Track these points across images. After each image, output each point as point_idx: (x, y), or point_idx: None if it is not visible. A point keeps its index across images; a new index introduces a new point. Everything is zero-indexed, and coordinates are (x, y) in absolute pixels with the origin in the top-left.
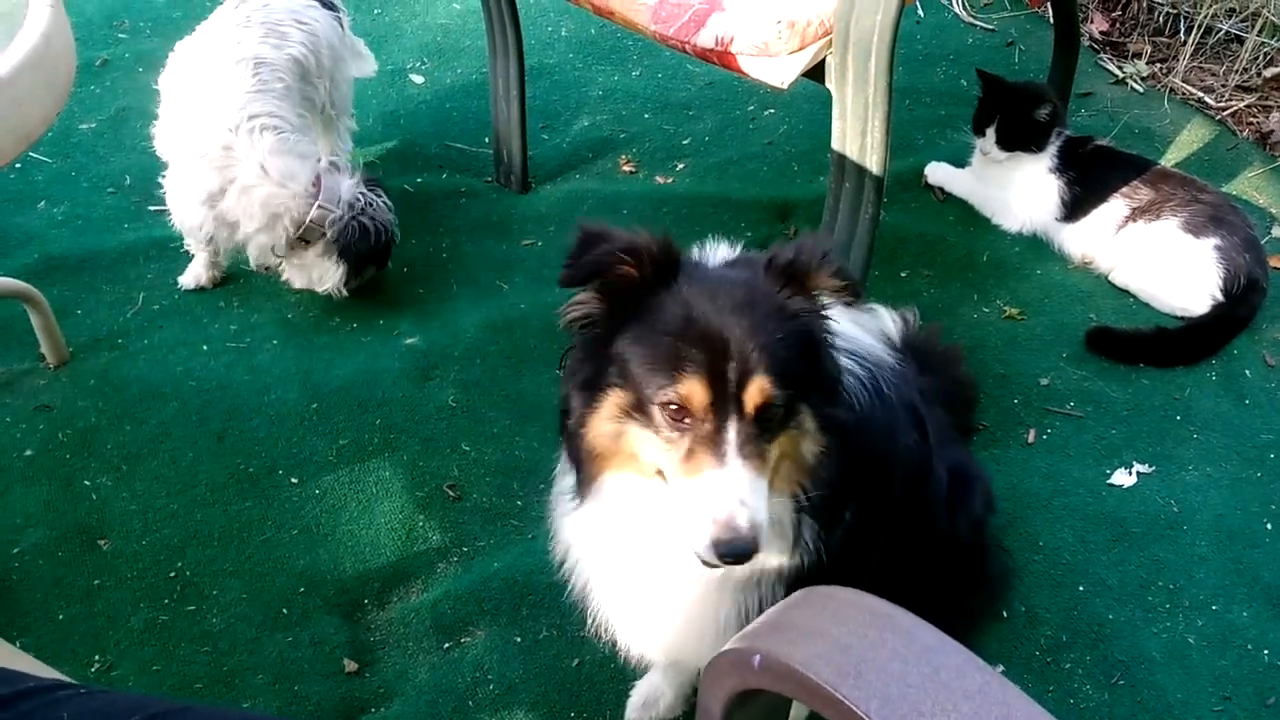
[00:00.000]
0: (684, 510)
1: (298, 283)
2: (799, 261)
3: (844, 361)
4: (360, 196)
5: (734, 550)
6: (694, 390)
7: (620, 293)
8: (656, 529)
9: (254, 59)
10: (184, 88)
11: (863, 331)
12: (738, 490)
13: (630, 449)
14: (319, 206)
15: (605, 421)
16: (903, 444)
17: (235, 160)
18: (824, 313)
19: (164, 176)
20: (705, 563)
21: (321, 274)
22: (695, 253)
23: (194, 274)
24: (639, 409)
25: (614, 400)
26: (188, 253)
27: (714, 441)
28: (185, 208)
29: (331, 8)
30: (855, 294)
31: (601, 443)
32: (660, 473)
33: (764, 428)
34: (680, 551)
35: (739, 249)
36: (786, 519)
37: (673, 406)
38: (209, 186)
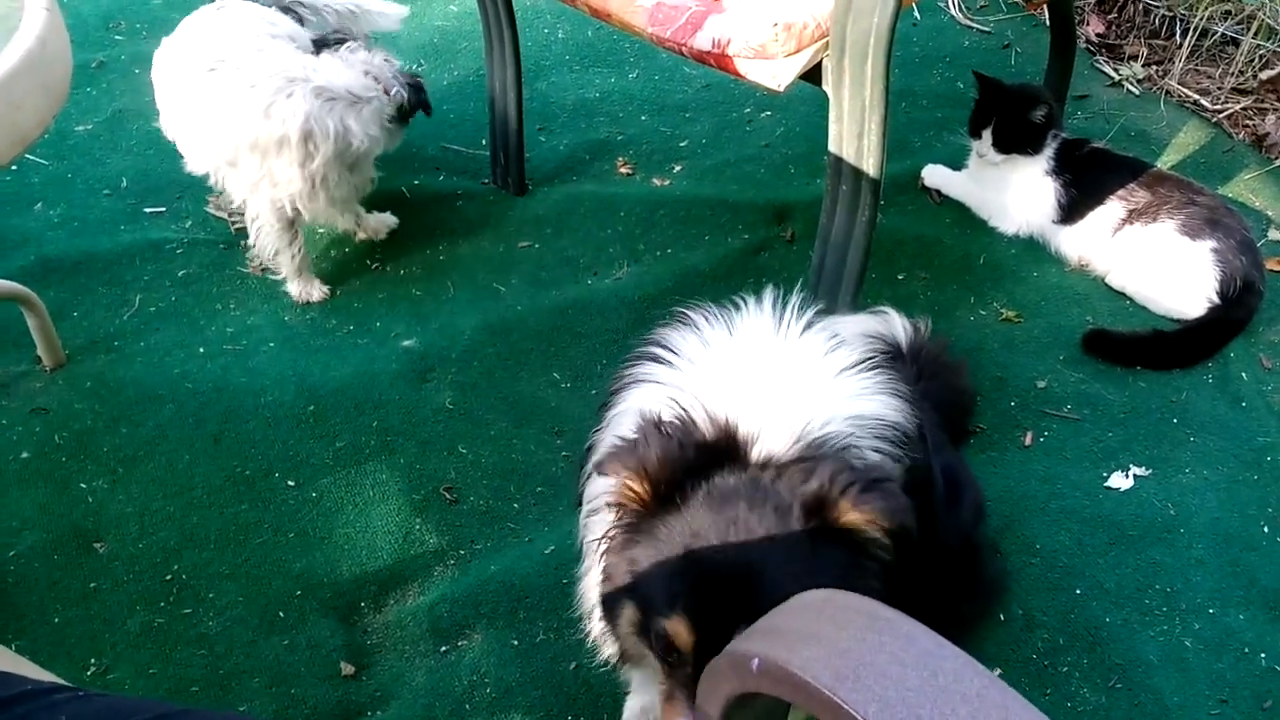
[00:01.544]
0: None
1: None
2: (828, 495)
3: (886, 461)
4: (385, 61)
5: None
6: (680, 630)
7: (634, 509)
8: None
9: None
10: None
11: (885, 402)
12: None
13: (647, 659)
14: (399, 87)
15: (626, 632)
16: (922, 469)
17: (337, 94)
18: (866, 552)
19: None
20: None
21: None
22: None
23: (300, 289)
24: (644, 632)
25: (628, 614)
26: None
27: (691, 688)
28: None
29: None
30: (886, 534)
31: (629, 647)
32: None
33: None
34: None
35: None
36: None
37: (663, 638)
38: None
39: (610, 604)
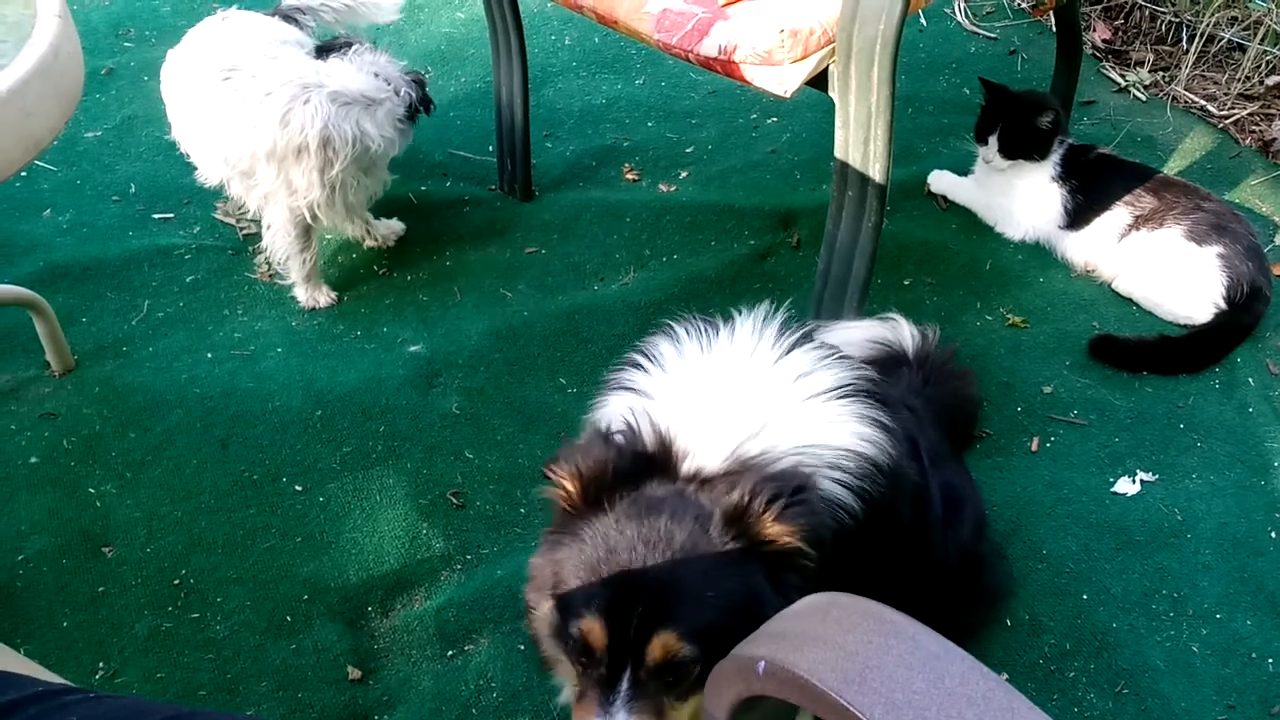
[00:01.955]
0: None
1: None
2: (747, 507)
3: (838, 489)
4: (390, 61)
5: None
6: (593, 629)
7: (564, 508)
8: None
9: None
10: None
11: (852, 431)
12: None
13: (566, 666)
14: (406, 87)
15: (544, 633)
16: (908, 482)
17: (352, 98)
18: (787, 563)
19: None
20: None
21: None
22: (690, 342)
23: (308, 295)
24: (561, 635)
25: (545, 611)
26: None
27: (603, 688)
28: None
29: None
30: (816, 548)
31: (548, 650)
32: None
33: (668, 685)
34: None
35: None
36: None
37: (577, 640)
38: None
39: (532, 604)
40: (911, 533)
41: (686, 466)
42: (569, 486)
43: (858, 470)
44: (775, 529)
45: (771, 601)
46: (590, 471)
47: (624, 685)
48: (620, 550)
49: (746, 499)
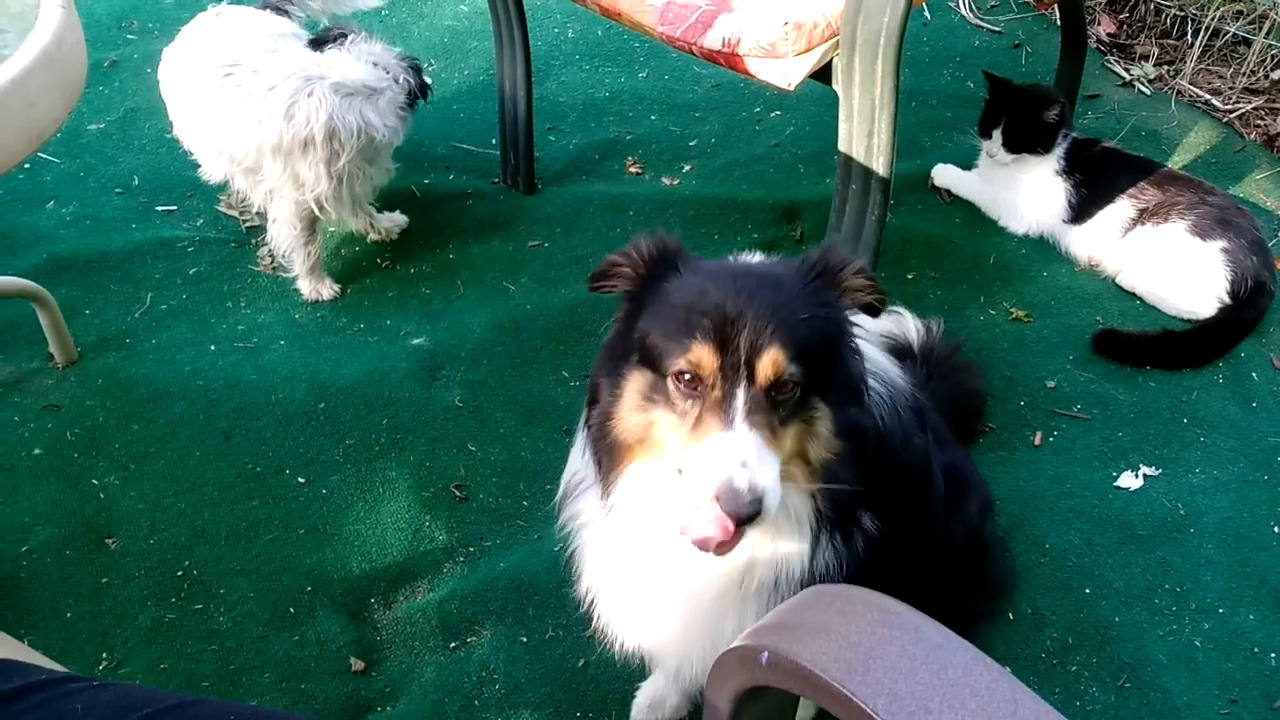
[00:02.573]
0: (687, 484)
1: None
2: (829, 261)
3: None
4: (385, 49)
5: (736, 513)
6: (703, 355)
7: (633, 291)
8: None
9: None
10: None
11: (878, 350)
12: (741, 452)
13: (654, 435)
14: (404, 74)
15: (629, 410)
16: (917, 448)
17: (355, 89)
18: (850, 317)
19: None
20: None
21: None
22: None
23: (311, 287)
24: (658, 389)
25: (635, 385)
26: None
27: (721, 407)
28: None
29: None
30: (880, 299)
31: (626, 431)
32: (680, 469)
33: (776, 403)
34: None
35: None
36: (804, 516)
37: (685, 375)
38: (355, 119)
39: (611, 388)
40: (916, 502)
41: None
42: (634, 263)
43: (886, 381)
44: (855, 280)
45: (847, 344)
46: (652, 248)
47: (739, 400)
48: (711, 288)
49: (830, 255)
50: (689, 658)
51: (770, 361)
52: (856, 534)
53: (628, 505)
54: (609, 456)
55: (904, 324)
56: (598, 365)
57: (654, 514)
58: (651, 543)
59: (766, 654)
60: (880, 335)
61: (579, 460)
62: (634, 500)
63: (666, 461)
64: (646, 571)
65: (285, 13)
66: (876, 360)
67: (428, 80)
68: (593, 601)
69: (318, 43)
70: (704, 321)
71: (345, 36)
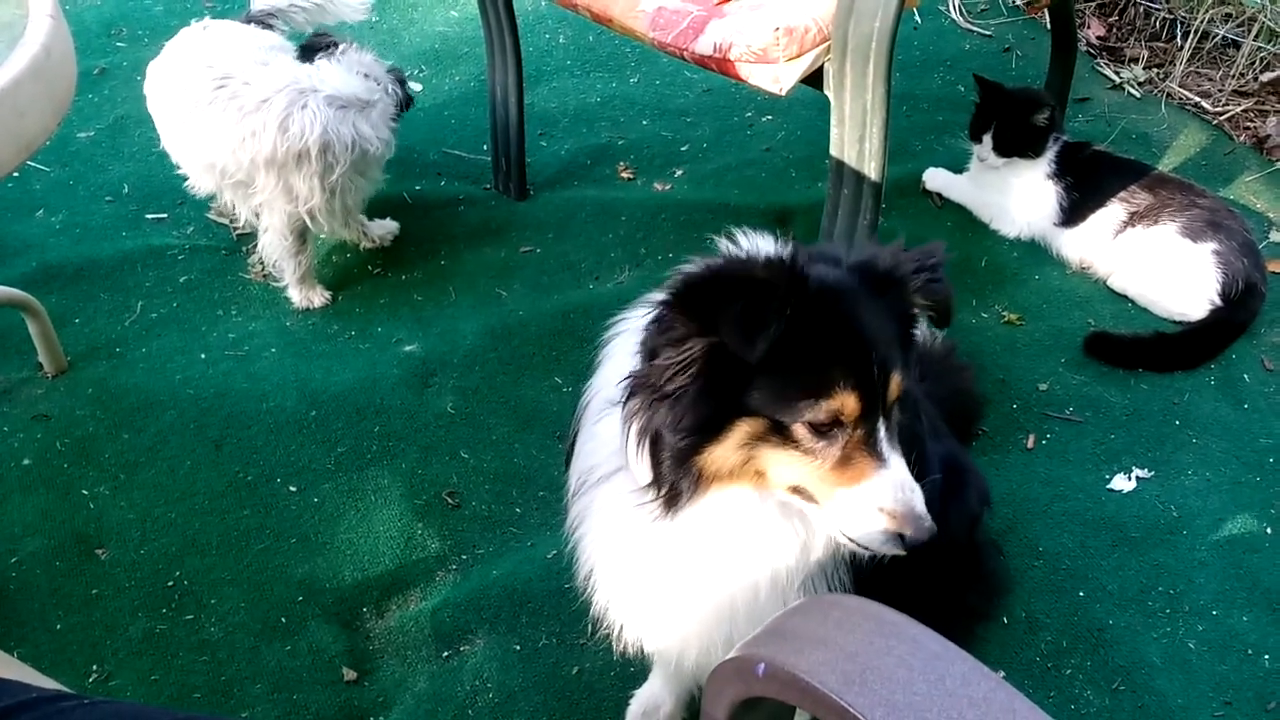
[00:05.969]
0: (845, 515)
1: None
2: (898, 270)
3: None
4: (375, 61)
5: (919, 540)
6: (847, 402)
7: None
8: (749, 538)
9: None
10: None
11: None
12: (907, 483)
13: (760, 468)
14: (392, 85)
15: (732, 451)
16: (915, 435)
17: (347, 101)
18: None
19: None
20: (871, 550)
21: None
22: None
23: (302, 295)
24: (775, 431)
25: (744, 430)
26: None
27: (869, 444)
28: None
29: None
30: (947, 313)
31: (724, 467)
32: (798, 490)
33: (896, 418)
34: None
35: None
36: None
37: (822, 421)
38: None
39: (703, 440)
40: None
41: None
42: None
43: None
44: (917, 294)
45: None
46: (774, 278)
47: (882, 434)
48: (826, 322)
49: (896, 262)
50: (710, 649)
51: (896, 384)
52: None
53: (703, 521)
54: (693, 482)
55: None
56: (673, 424)
57: (730, 531)
58: (706, 548)
59: (763, 665)
60: None
61: (599, 454)
62: (712, 518)
63: (768, 485)
64: (684, 571)
65: (270, 26)
66: None
67: (411, 92)
68: (598, 599)
69: (308, 50)
70: (837, 366)
71: (335, 46)
